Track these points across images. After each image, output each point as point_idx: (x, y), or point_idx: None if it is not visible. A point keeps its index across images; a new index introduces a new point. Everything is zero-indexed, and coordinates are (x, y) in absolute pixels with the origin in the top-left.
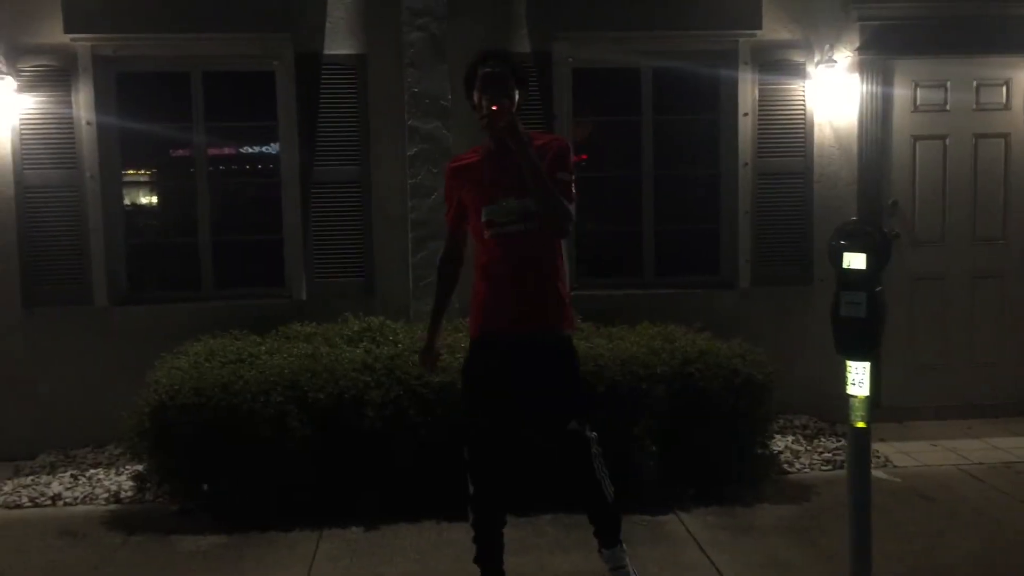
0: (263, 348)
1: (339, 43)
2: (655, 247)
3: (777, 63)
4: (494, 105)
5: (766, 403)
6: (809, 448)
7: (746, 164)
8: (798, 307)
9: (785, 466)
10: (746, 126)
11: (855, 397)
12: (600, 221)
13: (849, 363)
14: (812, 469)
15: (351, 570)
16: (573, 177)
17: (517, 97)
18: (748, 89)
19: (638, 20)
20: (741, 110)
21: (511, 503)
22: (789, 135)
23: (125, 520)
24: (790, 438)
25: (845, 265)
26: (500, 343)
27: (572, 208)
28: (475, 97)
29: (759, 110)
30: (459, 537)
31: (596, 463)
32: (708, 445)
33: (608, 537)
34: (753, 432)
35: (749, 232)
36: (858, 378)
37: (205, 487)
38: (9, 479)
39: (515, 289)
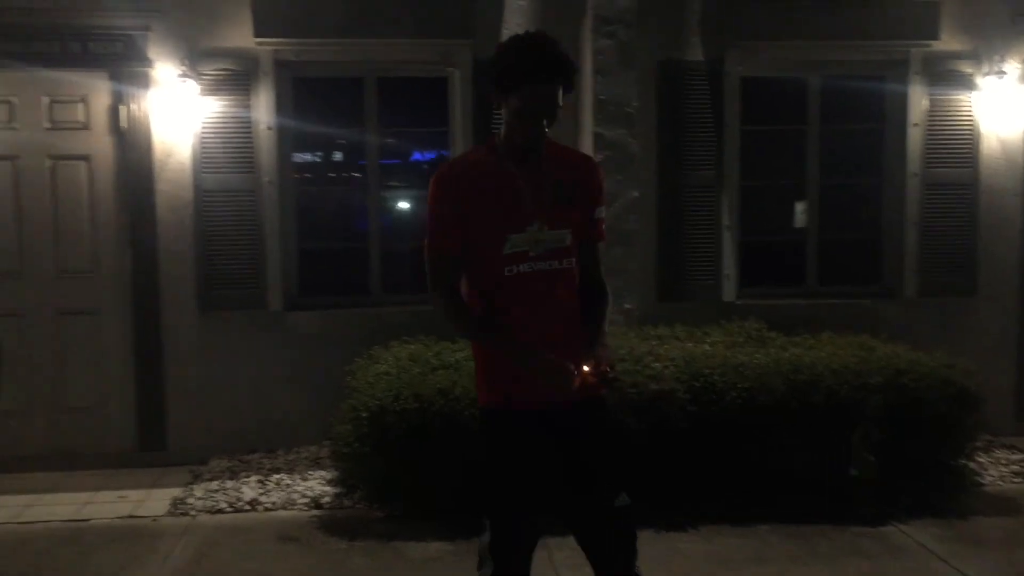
0: (460, 355)
1: None
2: (818, 256)
3: (946, 74)
4: None
5: (976, 413)
6: (991, 460)
7: (915, 175)
8: (962, 318)
9: (976, 478)
10: (915, 137)
11: None
12: (764, 231)
13: None
14: (1004, 482)
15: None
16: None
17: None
18: (918, 100)
19: (810, 30)
20: (911, 120)
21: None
22: (957, 146)
23: (337, 526)
24: None
25: None
26: (541, 414)
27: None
28: (512, 103)
29: (928, 121)
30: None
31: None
32: (919, 455)
33: None
34: (961, 443)
35: (916, 242)
36: None
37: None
38: (190, 484)
39: (557, 347)
